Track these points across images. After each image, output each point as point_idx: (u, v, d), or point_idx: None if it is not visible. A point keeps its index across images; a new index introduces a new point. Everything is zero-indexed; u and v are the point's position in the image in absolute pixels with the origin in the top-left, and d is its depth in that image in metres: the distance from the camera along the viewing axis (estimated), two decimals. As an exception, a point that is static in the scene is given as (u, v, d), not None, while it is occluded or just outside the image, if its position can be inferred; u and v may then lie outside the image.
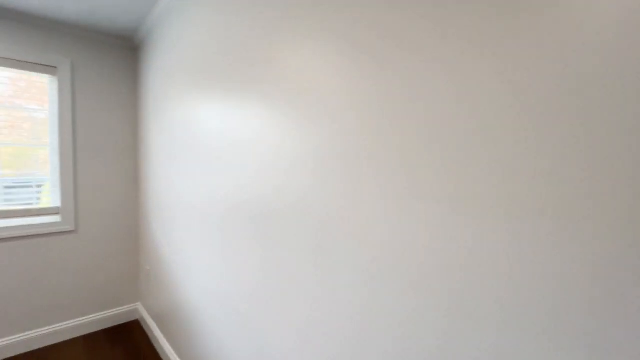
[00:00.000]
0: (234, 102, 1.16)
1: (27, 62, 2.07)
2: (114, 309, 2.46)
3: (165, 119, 1.95)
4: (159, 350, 2.11)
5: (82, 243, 2.31)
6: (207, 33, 1.39)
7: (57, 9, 1.95)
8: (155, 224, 2.19)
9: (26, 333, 2.10)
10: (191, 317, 1.65)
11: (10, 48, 2.00)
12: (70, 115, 2.22)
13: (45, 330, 2.17)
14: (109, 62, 2.37)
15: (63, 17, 2.04)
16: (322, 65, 0.77)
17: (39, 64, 2.12)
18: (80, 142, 2.28)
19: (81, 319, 2.31)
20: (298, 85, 0.85)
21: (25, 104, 2.14)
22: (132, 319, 2.55)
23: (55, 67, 2.17)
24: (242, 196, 1.14)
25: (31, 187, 2.20)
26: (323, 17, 0.77)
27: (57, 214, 2.25)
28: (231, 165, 1.21)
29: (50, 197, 2.24)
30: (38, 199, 2.22)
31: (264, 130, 0.99)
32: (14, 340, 2.05)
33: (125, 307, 2.52)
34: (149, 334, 2.30)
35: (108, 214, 2.41)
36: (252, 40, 1.04)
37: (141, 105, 2.42)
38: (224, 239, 1.30)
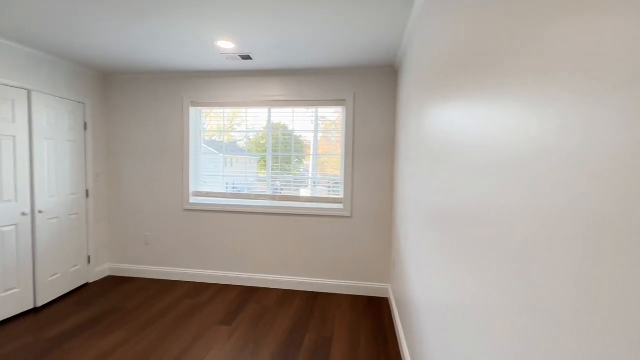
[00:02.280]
0: (470, 107, 1.19)
1: (331, 100, 3.11)
2: (370, 283, 3.11)
3: (405, 128, 2.23)
4: (396, 330, 2.45)
5: (354, 226, 3.11)
6: (439, 45, 1.50)
7: (339, 60, 2.78)
8: (398, 219, 2.55)
9: (317, 279, 3.17)
10: (413, 311, 1.81)
11: (322, 93, 3.09)
12: (352, 134, 3.06)
13: (328, 281, 3.16)
14: (378, 87, 3.01)
15: (349, 64, 2.88)
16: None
17: (337, 100, 3.10)
18: (357, 152, 3.08)
19: (349, 281, 3.13)
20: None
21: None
22: (384, 296, 3.08)
23: (344, 100, 3.09)
24: (456, 205, 1.16)
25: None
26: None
27: (341, 203, 3.19)
28: (453, 171, 1.25)
29: (340, 191, 3.22)
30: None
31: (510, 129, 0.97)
32: (308, 281, 3.17)
33: (379, 284, 3.10)
34: (392, 313, 2.70)
35: (373, 206, 3.07)
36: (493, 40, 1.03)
37: (396, 121, 2.88)
38: (437, 245, 1.35)
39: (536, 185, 0.59)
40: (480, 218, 0.86)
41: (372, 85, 3.03)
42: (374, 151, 3.05)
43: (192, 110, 3.34)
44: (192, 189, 3.37)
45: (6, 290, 2.50)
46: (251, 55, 2.73)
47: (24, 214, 2.61)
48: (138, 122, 3.40)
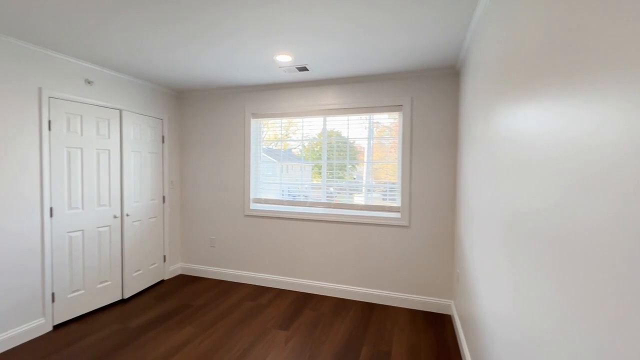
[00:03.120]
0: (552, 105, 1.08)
1: (387, 105, 3.04)
2: (431, 297, 2.92)
3: (470, 131, 2.07)
4: (461, 350, 2.25)
5: (413, 237, 2.97)
6: (514, 34, 1.37)
7: (396, 65, 2.70)
8: (461, 230, 2.36)
9: (373, 289, 3.07)
10: (482, 332, 1.64)
11: (377, 99, 3.04)
12: (409, 139, 2.94)
13: (384, 292, 3.05)
14: (437, 89, 2.86)
15: (405, 68, 2.78)
16: None
17: (393, 105, 3.02)
18: (415, 158, 2.95)
19: (407, 294, 2.98)
20: None
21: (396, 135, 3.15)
22: (446, 312, 2.87)
23: (401, 105, 2.99)
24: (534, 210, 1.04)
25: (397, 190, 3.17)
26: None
27: (398, 211, 3.07)
28: (531, 178, 1.13)
29: (396, 198, 3.11)
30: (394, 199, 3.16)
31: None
32: (363, 291, 3.08)
33: (440, 299, 2.89)
34: (456, 332, 2.50)
35: (432, 215, 2.90)
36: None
37: (459, 123, 2.70)
38: (516, 258, 1.22)
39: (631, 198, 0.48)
40: (565, 228, 0.74)
41: (430, 88, 2.89)
42: (434, 156, 2.89)
43: (253, 122, 3.55)
44: (252, 195, 3.56)
45: (101, 282, 2.91)
46: (307, 67, 2.81)
47: (115, 217, 3.02)
48: (205, 134, 3.72)
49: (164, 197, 3.62)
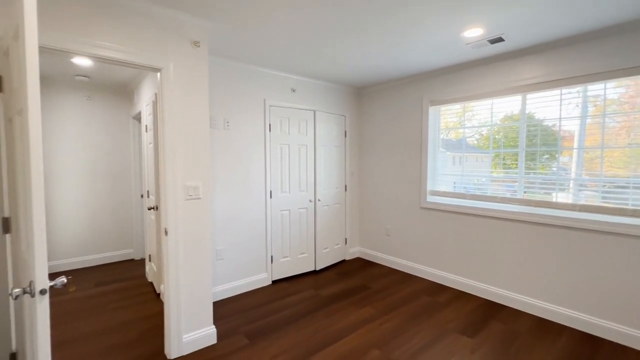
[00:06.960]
0: None
1: (627, 68, 2.14)
2: None
3: None
4: None
5: (679, 256, 2.00)
6: None
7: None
8: None
9: (596, 318, 2.27)
10: None
11: (612, 61, 2.18)
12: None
13: (616, 326, 2.20)
14: None
15: (678, 2, 1.85)
16: None
17: (636, 67, 2.10)
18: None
19: (668, 340, 2.04)
20: None
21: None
22: None
23: (663, 62, 2.03)
24: None
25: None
26: None
27: (650, 217, 2.13)
28: None
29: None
30: None
31: None
32: (578, 316, 2.31)
33: None
34: None
35: None
36: None
37: None
38: None
39: None
40: None
41: None
42: None
43: (431, 109, 3.36)
44: (429, 187, 3.40)
45: (301, 254, 3.57)
46: (503, 37, 2.36)
47: (310, 201, 3.61)
48: (382, 126, 3.84)
49: (345, 186, 4.02)
